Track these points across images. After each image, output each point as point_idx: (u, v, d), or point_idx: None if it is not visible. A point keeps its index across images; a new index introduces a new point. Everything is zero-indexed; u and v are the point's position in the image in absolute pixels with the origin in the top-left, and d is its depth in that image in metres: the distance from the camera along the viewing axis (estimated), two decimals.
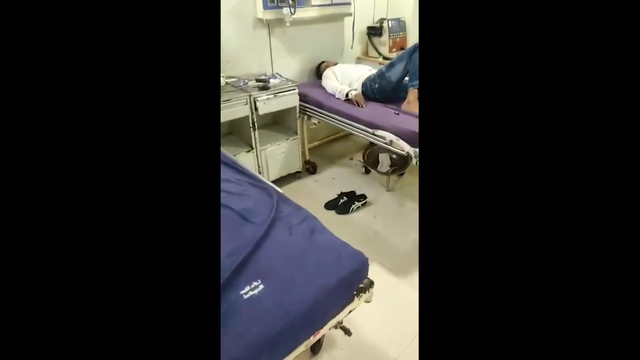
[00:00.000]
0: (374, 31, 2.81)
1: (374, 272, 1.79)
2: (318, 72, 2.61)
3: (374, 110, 2.09)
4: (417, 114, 1.97)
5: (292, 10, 2.22)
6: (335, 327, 1.05)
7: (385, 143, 1.92)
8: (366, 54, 2.94)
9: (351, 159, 2.82)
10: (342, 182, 2.53)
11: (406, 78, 2.13)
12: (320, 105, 2.28)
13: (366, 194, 2.32)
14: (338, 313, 1.00)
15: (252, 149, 2.24)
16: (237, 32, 2.26)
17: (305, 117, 2.43)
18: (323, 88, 2.41)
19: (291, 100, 2.25)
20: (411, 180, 2.53)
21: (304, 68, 2.69)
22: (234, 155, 2.15)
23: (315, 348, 1.35)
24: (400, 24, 2.81)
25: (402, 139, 1.84)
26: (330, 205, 2.26)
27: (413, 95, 2.05)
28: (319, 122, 2.39)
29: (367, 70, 2.35)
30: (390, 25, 2.74)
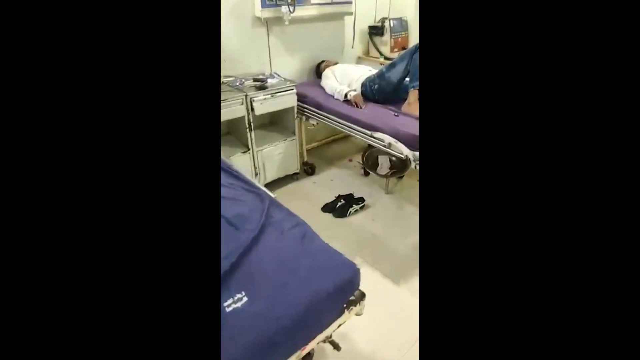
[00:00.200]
0: (375, 30, 2.76)
1: (371, 276, 1.77)
2: (318, 71, 2.57)
3: (373, 112, 2.04)
4: (418, 115, 1.92)
5: (291, 8, 2.17)
6: (324, 341, 1.01)
7: (384, 146, 1.87)
8: (367, 53, 2.88)
9: (350, 160, 2.78)
10: (341, 184, 2.48)
11: (407, 79, 2.08)
12: (318, 105, 2.24)
13: (365, 197, 2.28)
14: (328, 326, 0.95)
15: (248, 149, 2.20)
16: (235, 30, 2.22)
17: (304, 117, 2.38)
18: (322, 88, 2.36)
19: (289, 100, 2.21)
20: (411, 183, 2.48)
21: (303, 68, 2.64)
22: (230, 157, 2.11)
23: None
24: (402, 24, 2.75)
25: (401, 142, 1.79)
26: (327, 208, 2.21)
27: (414, 96, 2.00)
28: (317, 123, 2.34)
29: (367, 71, 2.30)
30: (392, 24, 2.68)
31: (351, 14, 2.60)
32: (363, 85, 2.21)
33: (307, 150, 2.67)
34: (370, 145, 2.29)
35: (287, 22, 2.24)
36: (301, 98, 2.31)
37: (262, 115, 2.31)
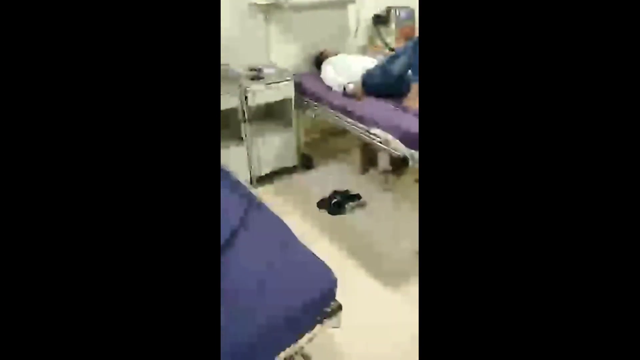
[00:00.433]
0: (380, 20, 2.63)
1: (361, 279, 1.71)
2: (317, 61, 2.46)
3: (371, 106, 1.95)
4: (418, 111, 1.82)
5: None
6: (291, 358, 0.95)
7: (381, 143, 1.78)
8: (372, 43, 2.76)
9: (351, 154, 2.69)
10: (339, 179, 2.40)
11: (410, 71, 1.97)
12: (316, 97, 2.15)
13: (362, 194, 2.20)
14: (292, 344, 0.89)
15: (243, 141, 2.13)
16: (231, 17, 2.13)
17: (302, 110, 2.30)
18: (322, 79, 2.27)
19: (285, 91, 2.13)
20: (410, 180, 2.38)
21: (304, 58, 2.54)
22: (224, 149, 2.05)
23: None
24: (409, 13, 2.62)
25: (399, 139, 1.70)
26: (322, 204, 2.15)
27: (415, 90, 1.90)
28: (315, 116, 2.26)
29: (369, 62, 2.19)
30: (398, 14, 2.56)
31: (354, 1, 2.48)
32: (363, 77, 2.11)
33: (306, 143, 2.60)
34: None
35: (286, 6, 2.13)
36: (299, 89, 2.23)
37: (259, 106, 2.24)
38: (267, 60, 2.34)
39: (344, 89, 2.07)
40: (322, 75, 2.27)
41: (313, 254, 1.03)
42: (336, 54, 2.39)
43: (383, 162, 2.28)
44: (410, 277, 1.68)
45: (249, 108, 2.04)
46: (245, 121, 2.06)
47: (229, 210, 1.13)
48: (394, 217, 2.08)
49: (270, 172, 2.34)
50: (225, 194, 1.26)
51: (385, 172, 2.25)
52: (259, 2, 2.11)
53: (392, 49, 2.57)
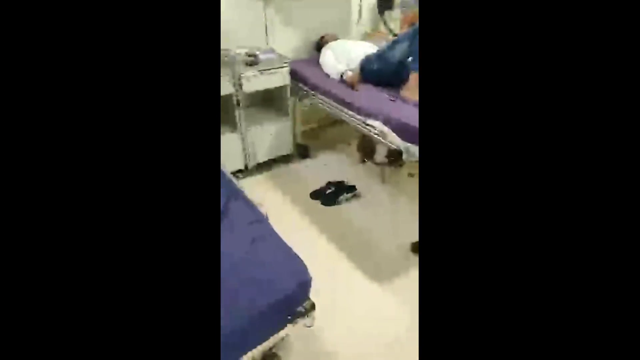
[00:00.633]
0: (384, 4, 2.52)
1: (349, 273, 1.67)
2: (318, 47, 2.38)
3: (368, 95, 1.87)
4: (417, 101, 1.75)
5: None
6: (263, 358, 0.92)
7: (376, 134, 1.72)
8: (375, 29, 2.66)
9: (349, 144, 2.62)
10: (335, 169, 2.35)
11: (410, 59, 1.89)
12: (312, 85, 2.08)
13: (358, 185, 2.15)
14: (258, 344, 0.86)
15: (237, 129, 2.08)
16: (228, 0, 2.05)
17: (298, 98, 2.23)
18: (321, 66, 2.19)
19: (280, 78, 2.06)
20: (407, 174, 2.32)
21: (304, 43, 2.46)
22: None
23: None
24: None
25: (395, 131, 1.64)
26: (316, 195, 2.10)
27: (415, 79, 1.82)
28: (311, 105, 2.19)
29: (369, 48, 2.11)
30: None
31: None
32: (362, 64, 2.03)
33: (303, 132, 2.54)
34: None
35: None
36: (295, 76, 2.16)
37: (255, 93, 2.18)
38: (266, 46, 2.27)
39: (342, 76, 1.99)
40: (320, 61, 2.20)
41: (289, 250, 0.99)
42: (336, 39, 2.30)
43: (381, 154, 2.22)
44: (401, 272, 1.64)
45: (243, 94, 1.98)
46: (239, 108, 2.01)
47: None
48: (389, 211, 2.03)
49: (266, 161, 2.30)
50: None
51: (382, 164, 2.18)
52: None
53: (395, 35, 2.46)
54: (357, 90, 1.92)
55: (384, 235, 1.85)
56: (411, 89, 1.81)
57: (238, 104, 2.00)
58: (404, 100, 1.79)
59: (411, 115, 1.62)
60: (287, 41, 2.37)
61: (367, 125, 1.75)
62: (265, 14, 2.21)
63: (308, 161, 2.45)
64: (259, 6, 2.18)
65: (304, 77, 2.13)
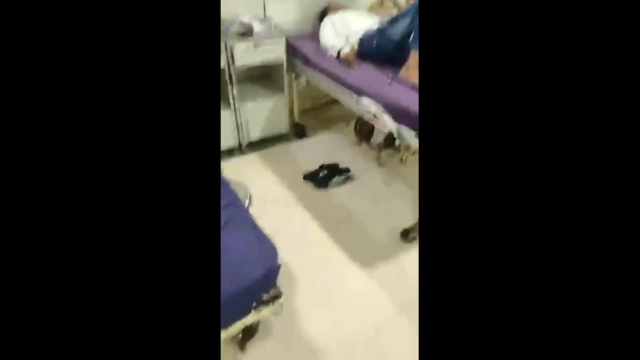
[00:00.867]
0: None
1: (335, 258, 1.63)
2: (322, 17, 2.24)
3: (364, 74, 1.77)
4: (415, 82, 1.64)
5: None
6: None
7: (369, 115, 1.63)
8: (381, 3, 2.50)
9: (348, 125, 2.54)
10: (331, 150, 2.28)
11: (411, 36, 1.77)
12: (308, 61, 1.98)
13: (353, 168, 2.08)
14: (223, 329, 0.83)
15: (229, 105, 2.02)
16: None
17: (295, 74, 2.14)
18: (319, 39, 2.08)
19: (275, 52, 1.97)
20: (410, 156, 2.23)
21: (305, 15, 2.33)
22: None
23: (247, 334, 1.23)
24: None
25: (388, 113, 1.55)
26: (309, 177, 2.05)
27: (415, 59, 1.70)
28: (307, 82, 2.10)
29: (370, 23, 1.98)
30: None
31: None
32: (361, 40, 1.91)
33: (301, 111, 2.46)
34: None
35: None
36: (293, 51, 2.06)
37: (252, 67, 2.09)
38: (263, 16, 2.16)
39: (338, 53, 1.89)
40: (320, 33, 2.08)
41: (261, 235, 0.95)
42: (340, 10, 2.17)
43: (378, 136, 2.13)
44: (389, 258, 1.60)
45: (235, 69, 1.90)
46: (232, 83, 1.94)
47: None
48: (383, 195, 1.97)
49: (261, 139, 2.24)
50: None
51: (379, 147, 2.11)
52: None
53: (400, 10, 2.32)
54: (353, 69, 1.82)
55: (375, 220, 1.80)
56: (411, 69, 1.70)
57: (230, 80, 1.92)
58: (402, 81, 1.69)
59: (407, 97, 1.53)
60: (286, 12, 2.25)
61: (360, 105, 1.66)
62: None
63: (304, 141, 2.38)
64: None
65: (301, 51, 2.03)
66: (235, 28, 1.92)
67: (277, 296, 0.91)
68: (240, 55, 1.86)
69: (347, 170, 2.05)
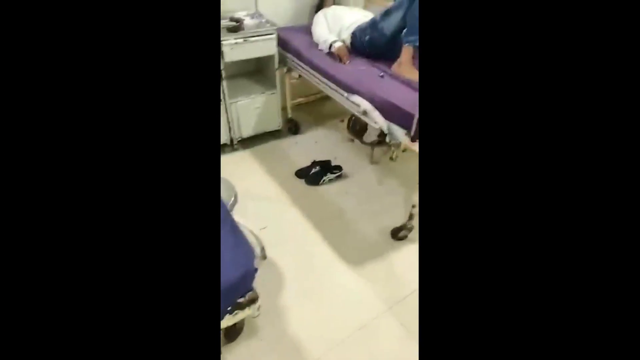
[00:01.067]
0: None
1: (324, 256, 1.61)
2: (318, 9, 2.20)
3: (356, 69, 1.74)
4: (408, 79, 1.61)
5: None
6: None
7: (359, 112, 1.60)
8: None
9: (342, 121, 2.50)
10: (325, 147, 2.25)
11: (404, 31, 1.72)
12: (299, 56, 1.94)
13: (346, 165, 2.06)
14: None
15: (220, 101, 1.99)
16: None
17: (287, 69, 2.10)
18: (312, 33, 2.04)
19: (266, 47, 1.93)
20: (401, 154, 2.20)
21: (297, 8, 2.29)
22: None
23: (231, 334, 1.22)
24: None
25: (378, 110, 1.52)
26: (301, 173, 2.02)
27: (407, 54, 1.66)
28: (300, 77, 2.06)
29: (363, 16, 1.94)
30: None
31: None
32: (353, 34, 1.87)
33: (295, 106, 2.42)
34: None
35: None
36: (284, 45, 2.02)
37: (243, 62, 2.06)
38: (255, 9, 2.12)
39: (330, 47, 1.85)
40: (312, 27, 2.04)
41: (240, 237, 0.92)
42: (333, 3, 2.12)
43: (371, 133, 2.10)
44: (379, 256, 1.58)
45: (225, 64, 1.87)
46: (221, 78, 1.90)
47: None
48: (375, 193, 1.94)
49: (253, 136, 2.21)
50: None
51: (372, 143, 2.07)
52: None
53: None
54: (345, 64, 1.78)
55: (366, 218, 1.78)
56: (403, 65, 1.66)
57: (220, 75, 1.89)
58: (394, 77, 1.65)
59: (398, 94, 1.49)
60: (278, 5, 2.21)
61: (350, 101, 1.63)
62: None
63: (298, 137, 2.35)
64: None
65: (293, 46, 2.00)
66: (225, 23, 1.88)
67: (254, 299, 0.88)
68: (230, 50, 1.82)
69: (339, 167, 2.03)
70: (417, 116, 1.32)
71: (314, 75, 1.85)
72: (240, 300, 0.87)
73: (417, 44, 1.63)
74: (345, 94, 1.65)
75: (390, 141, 1.53)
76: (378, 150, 2.16)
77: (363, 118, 1.62)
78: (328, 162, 2.05)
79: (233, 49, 1.83)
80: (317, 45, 1.94)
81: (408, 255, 1.59)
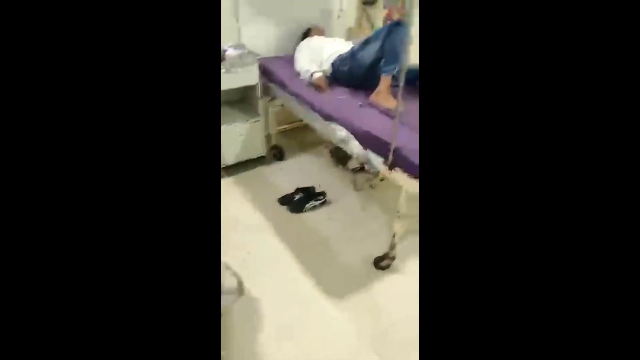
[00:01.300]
0: None
1: (304, 288, 1.56)
2: (303, 39, 2.25)
3: (334, 99, 1.76)
4: (386, 108, 1.63)
5: None
6: None
7: (337, 140, 1.61)
8: (359, 26, 2.53)
9: (326, 147, 2.51)
10: (309, 173, 2.25)
11: (382, 61, 1.76)
12: (281, 85, 1.97)
13: (330, 192, 2.05)
14: None
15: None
16: None
17: (270, 97, 2.13)
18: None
19: (248, 77, 1.96)
20: (385, 181, 2.20)
21: (280, 39, 2.34)
22: None
23: None
24: None
25: (357, 139, 1.53)
26: (284, 201, 2.01)
27: (385, 84, 1.69)
28: (282, 105, 2.09)
29: (343, 47, 1.98)
30: None
31: None
32: (333, 64, 1.91)
33: (280, 132, 2.44)
34: None
35: None
36: (268, 75, 2.05)
37: (228, 92, 2.09)
38: (238, 41, 2.16)
39: (311, 76, 1.88)
40: (295, 56, 2.08)
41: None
42: (323, 34, 2.17)
43: (354, 160, 2.11)
44: (361, 287, 1.55)
45: None
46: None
47: None
48: (358, 220, 1.93)
49: (237, 163, 2.21)
50: None
51: (354, 170, 2.08)
52: None
53: None
54: (324, 93, 1.81)
55: (349, 246, 1.75)
56: (381, 94, 1.69)
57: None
58: (373, 106, 1.67)
59: (376, 123, 1.51)
60: (261, 37, 2.26)
61: (329, 129, 1.64)
62: (237, 5, 2.09)
63: (282, 164, 2.35)
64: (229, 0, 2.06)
65: (275, 75, 2.03)
66: None
67: None
68: None
69: (323, 193, 2.02)
70: (393, 145, 1.32)
71: (296, 104, 1.87)
72: None
73: (395, 73, 1.66)
74: (326, 122, 1.66)
75: (369, 169, 1.53)
76: (361, 177, 2.16)
77: (341, 146, 1.63)
78: (312, 188, 2.04)
79: None
80: (299, 74, 1.98)
81: (389, 286, 1.56)
